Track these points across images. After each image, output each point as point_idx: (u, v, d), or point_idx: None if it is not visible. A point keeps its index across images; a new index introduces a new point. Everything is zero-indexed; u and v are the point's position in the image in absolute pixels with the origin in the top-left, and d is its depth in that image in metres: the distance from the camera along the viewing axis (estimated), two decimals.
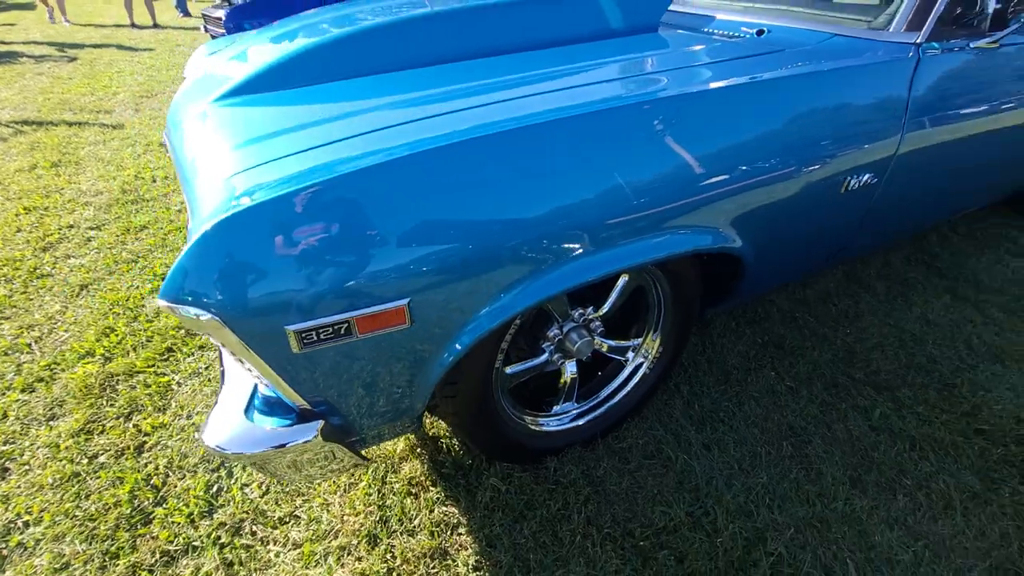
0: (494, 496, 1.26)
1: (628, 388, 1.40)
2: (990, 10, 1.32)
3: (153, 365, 1.66)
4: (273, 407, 0.94)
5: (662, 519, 1.21)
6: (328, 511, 1.24)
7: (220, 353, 1.12)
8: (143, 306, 1.92)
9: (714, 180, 1.02)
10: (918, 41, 1.28)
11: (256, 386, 0.97)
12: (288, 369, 0.82)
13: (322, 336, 0.80)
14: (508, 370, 1.18)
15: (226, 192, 0.81)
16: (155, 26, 8.24)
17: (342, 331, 0.81)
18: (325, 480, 1.27)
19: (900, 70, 1.25)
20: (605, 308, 1.23)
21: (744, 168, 1.05)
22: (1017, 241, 2.31)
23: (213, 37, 5.38)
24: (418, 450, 1.37)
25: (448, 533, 1.19)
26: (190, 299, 0.73)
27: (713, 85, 1.05)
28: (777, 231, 1.22)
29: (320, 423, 0.90)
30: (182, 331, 1.80)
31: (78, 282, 2.05)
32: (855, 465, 1.34)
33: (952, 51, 1.32)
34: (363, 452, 1.09)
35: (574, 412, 1.37)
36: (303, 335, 0.78)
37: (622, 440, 1.40)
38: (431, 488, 1.29)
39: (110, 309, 1.91)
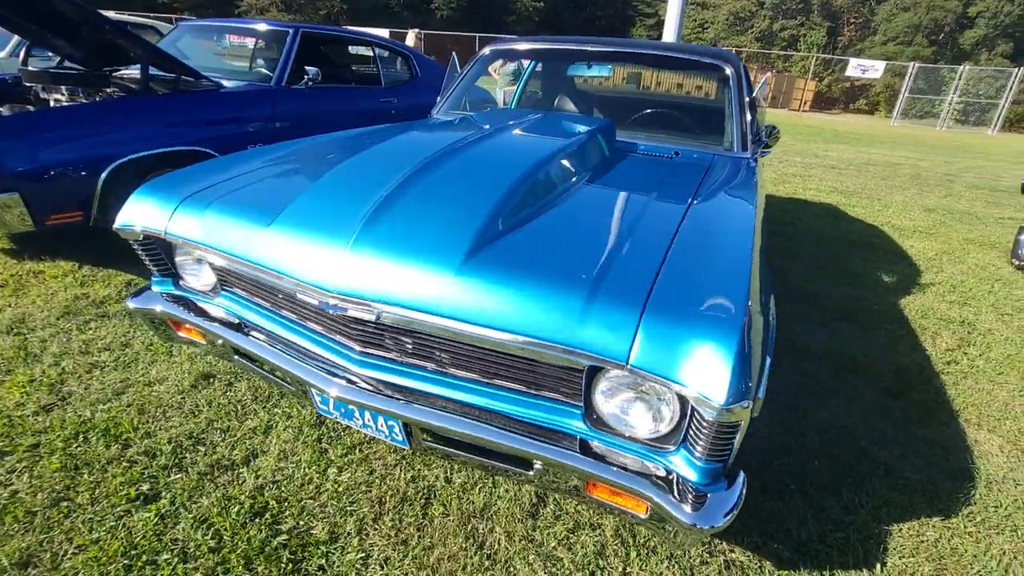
0: None
1: None
2: (762, 137, 2.50)
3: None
4: (709, 478, 1.14)
5: None
6: None
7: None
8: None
9: None
10: (748, 155, 2.32)
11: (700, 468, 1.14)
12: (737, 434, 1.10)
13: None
14: None
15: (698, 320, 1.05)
16: None
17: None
18: None
19: (750, 164, 2.24)
20: None
21: None
22: None
23: None
24: None
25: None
26: (743, 394, 0.97)
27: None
28: None
29: (742, 472, 1.17)
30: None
31: None
32: None
33: (748, 157, 2.41)
34: None
35: None
36: (754, 403, 1.10)
37: None
38: None
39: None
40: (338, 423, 1.86)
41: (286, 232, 1.36)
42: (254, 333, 1.57)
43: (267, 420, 1.84)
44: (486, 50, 2.93)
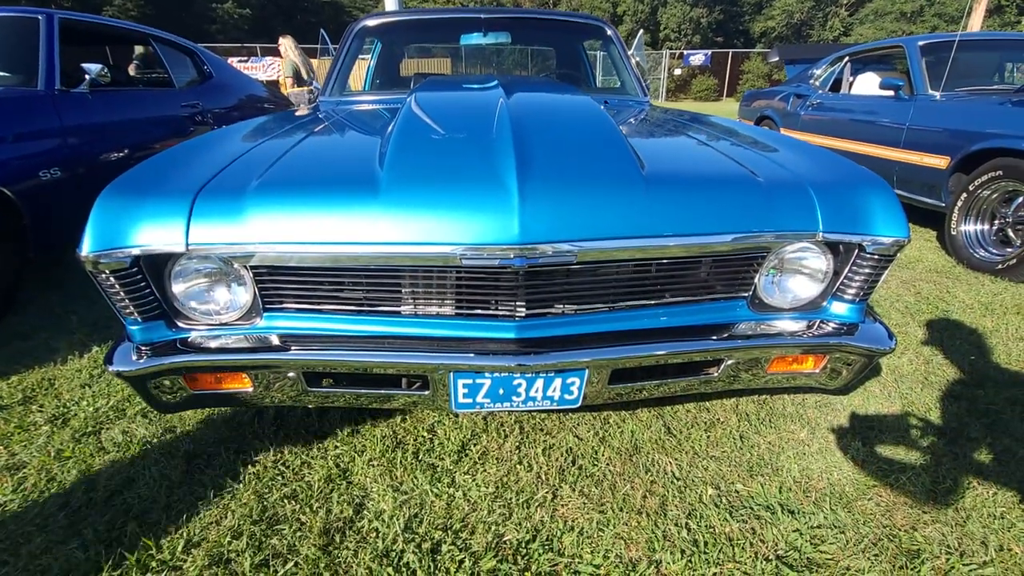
0: None
1: None
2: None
3: None
4: (861, 315, 1.35)
5: None
6: None
7: None
8: None
9: None
10: (644, 99, 2.67)
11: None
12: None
13: None
14: None
15: None
16: None
17: None
18: None
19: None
20: None
21: None
22: None
23: None
24: None
25: None
26: None
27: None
28: None
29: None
30: None
31: None
32: None
33: (648, 100, 2.79)
34: None
35: None
36: None
37: None
38: None
39: None
40: (427, 429, 1.57)
41: (415, 198, 1.12)
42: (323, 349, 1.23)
43: (333, 465, 1.45)
44: (366, 22, 2.68)
